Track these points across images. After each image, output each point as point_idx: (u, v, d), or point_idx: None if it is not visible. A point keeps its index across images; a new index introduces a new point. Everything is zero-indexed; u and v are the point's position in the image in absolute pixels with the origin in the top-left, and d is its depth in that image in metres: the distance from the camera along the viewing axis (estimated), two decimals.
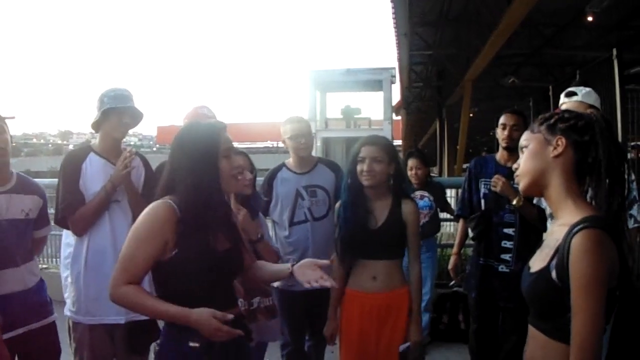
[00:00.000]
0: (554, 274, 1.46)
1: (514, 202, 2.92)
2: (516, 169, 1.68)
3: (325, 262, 2.04)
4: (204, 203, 1.87)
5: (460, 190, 3.61)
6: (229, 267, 2.00)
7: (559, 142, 1.55)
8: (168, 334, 1.90)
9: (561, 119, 1.58)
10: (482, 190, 3.23)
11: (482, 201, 3.24)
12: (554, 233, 1.55)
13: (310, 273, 1.97)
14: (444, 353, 4.37)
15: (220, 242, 1.95)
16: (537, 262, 1.57)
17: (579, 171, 1.56)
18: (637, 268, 5.88)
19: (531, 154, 1.61)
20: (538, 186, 1.61)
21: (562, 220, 1.53)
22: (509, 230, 3.09)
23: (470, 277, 3.31)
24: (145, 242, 1.82)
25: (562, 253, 1.43)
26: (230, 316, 1.81)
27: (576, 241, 1.39)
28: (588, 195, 1.58)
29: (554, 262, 1.47)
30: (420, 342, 2.68)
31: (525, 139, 1.66)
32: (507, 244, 3.08)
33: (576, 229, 1.41)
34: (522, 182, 1.64)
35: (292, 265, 2.04)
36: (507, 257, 3.07)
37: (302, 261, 2.04)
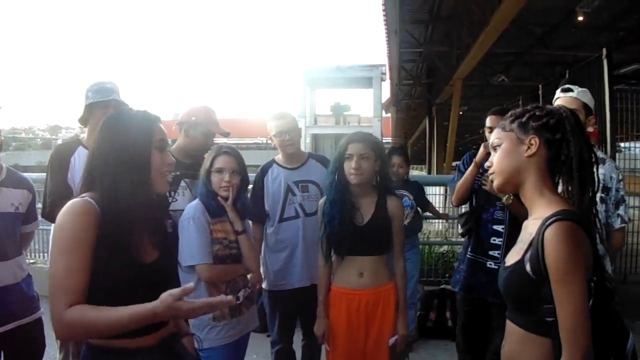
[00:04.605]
0: (528, 267, 1.47)
1: (504, 200, 2.93)
2: (489, 167, 1.69)
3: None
4: (127, 202, 1.58)
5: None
6: (155, 280, 1.64)
7: (532, 142, 1.56)
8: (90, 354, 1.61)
9: (533, 117, 1.59)
10: (473, 186, 3.23)
11: (473, 196, 3.24)
12: (528, 227, 1.57)
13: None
14: (431, 350, 4.39)
15: (147, 250, 1.67)
16: (511, 257, 1.59)
17: (551, 168, 1.58)
18: (624, 268, 5.97)
19: (505, 153, 1.62)
20: (513, 184, 1.63)
21: (536, 215, 1.55)
22: (499, 227, 3.09)
23: (458, 272, 3.32)
24: (76, 250, 1.49)
25: (535, 245, 1.45)
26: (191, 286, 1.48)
27: (549, 232, 1.41)
28: (559, 191, 1.60)
29: (528, 255, 1.49)
30: (407, 335, 2.70)
31: (497, 137, 1.67)
32: (497, 240, 3.09)
33: (549, 221, 1.43)
34: (496, 181, 1.66)
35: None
36: (495, 253, 3.07)
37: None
